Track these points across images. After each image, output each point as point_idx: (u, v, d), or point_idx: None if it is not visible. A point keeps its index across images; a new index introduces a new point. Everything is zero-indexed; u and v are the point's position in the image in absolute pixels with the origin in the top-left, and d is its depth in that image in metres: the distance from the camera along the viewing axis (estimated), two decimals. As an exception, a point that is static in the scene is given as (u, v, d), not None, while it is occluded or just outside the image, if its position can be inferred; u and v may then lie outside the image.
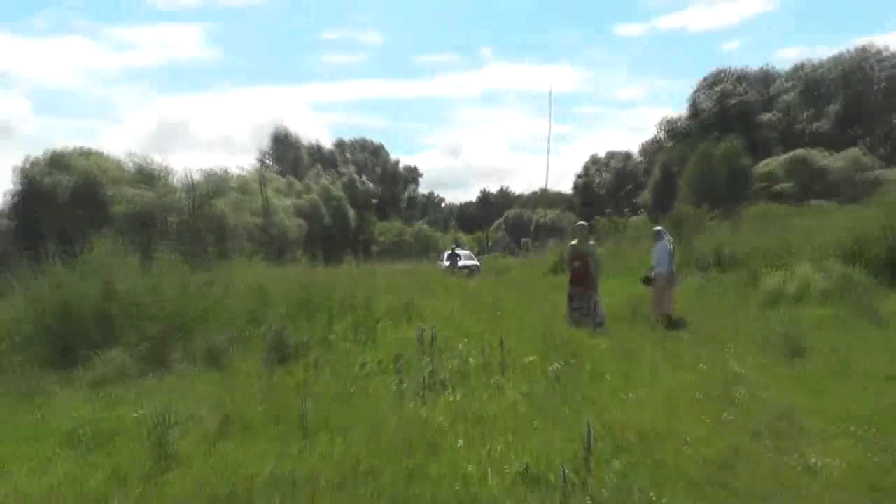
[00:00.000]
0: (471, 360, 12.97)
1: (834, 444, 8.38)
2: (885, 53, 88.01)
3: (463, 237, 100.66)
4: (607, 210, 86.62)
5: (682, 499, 6.92)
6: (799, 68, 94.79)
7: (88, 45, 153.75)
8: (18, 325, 16.31)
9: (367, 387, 11.61)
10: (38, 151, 72.80)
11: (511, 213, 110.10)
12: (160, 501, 7.32)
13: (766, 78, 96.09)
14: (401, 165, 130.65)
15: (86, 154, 70.40)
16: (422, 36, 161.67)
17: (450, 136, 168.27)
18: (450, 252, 49.71)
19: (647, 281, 20.03)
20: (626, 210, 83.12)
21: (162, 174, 69.33)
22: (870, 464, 7.69)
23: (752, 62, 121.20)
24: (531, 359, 12.76)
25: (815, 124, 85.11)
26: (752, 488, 7.15)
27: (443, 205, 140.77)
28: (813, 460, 7.71)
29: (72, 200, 62.63)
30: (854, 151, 71.43)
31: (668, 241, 20.63)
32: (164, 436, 8.73)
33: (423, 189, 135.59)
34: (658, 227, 22.77)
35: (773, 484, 7.22)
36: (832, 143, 75.94)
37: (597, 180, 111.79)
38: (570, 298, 18.99)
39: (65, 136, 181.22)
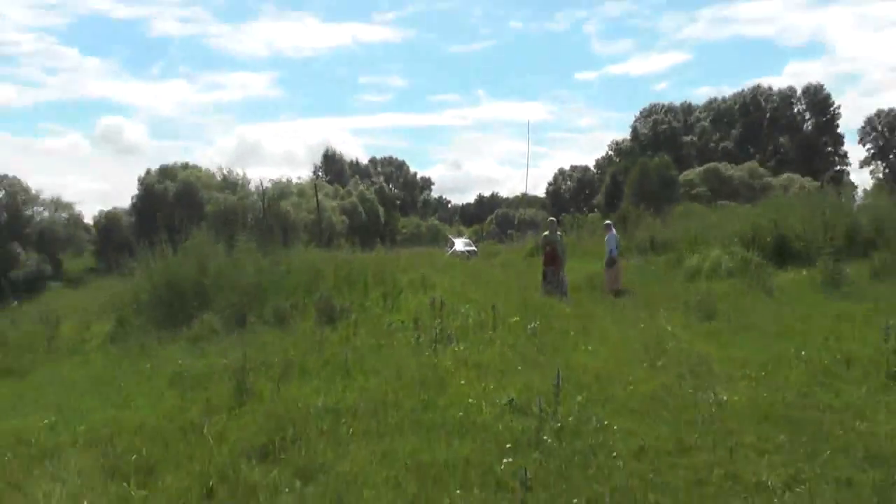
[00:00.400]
0: (470, 320, 12.97)
1: (736, 384, 8.35)
2: (771, 91, 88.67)
3: (464, 229, 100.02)
4: (571, 209, 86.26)
5: (626, 423, 6.90)
6: (711, 102, 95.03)
7: (188, 86, 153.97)
8: (138, 295, 16.36)
9: (392, 340, 11.61)
10: (153, 165, 73.03)
11: (500, 211, 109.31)
12: (240, 426, 7.32)
13: (686, 110, 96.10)
14: (418, 176, 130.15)
15: (186, 167, 70.88)
16: (433, 81, 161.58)
17: (454, 154, 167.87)
18: (452, 240, 49.54)
19: (612, 262, 19.97)
20: (585, 209, 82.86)
21: (241, 182, 69.74)
22: (762, 399, 7.66)
23: (676, 98, 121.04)
24: (515, 319, 12.75)
25: (722, 144, 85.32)
26: (677, 416, 7.13)
27: (449, 205, 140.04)
28: (722, 396, 7.69)
29: (176, 202, 63.03)
30: (751, 164, 71.57)
31: (615, 232, 20.68)
32: (243, 377, 8.73)
33: (434, 193, 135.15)
34: (608, 221, 22.81)
35: (692, 412, 7.19)
36: (735, 158, 76.21)
37: (563, 187, 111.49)
38: (544, 275, 18.98)
39: (171, 154, 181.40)
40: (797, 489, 5.36)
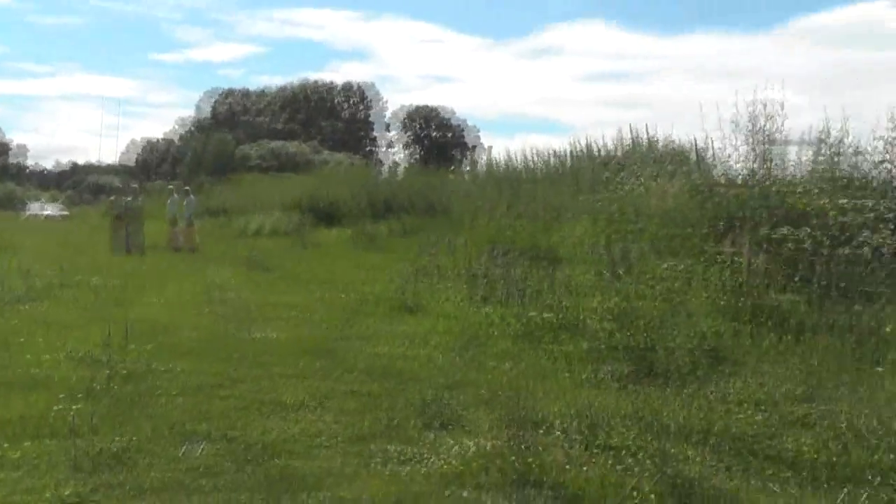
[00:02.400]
0: (39, 281, 11.59)
1: (282, 324, 8.66)
2: (325, 84, 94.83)
3: (58, 194, 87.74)
4: (151, 176, 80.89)
5: (185, 365, 6.67)
6: (280, 90, 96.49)
7: None
8: None
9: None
10: None
11: (88, 178, 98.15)
12: None
13: (256, 94, 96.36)
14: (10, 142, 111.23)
15: None
16: (22, 51, 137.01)
17: (42, 123, 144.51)
18: (29, 204, 48.24)
19: (189, 223, 19.18)
20: (159, 177, 78.32)
21: None
22: (303, 335, 8.06)
23: (250, 84, 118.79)
24: (92, 278, 11.84)
25: (286, 125, 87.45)
26: (229, 354, 7.07)
27: (44, 172, 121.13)
28: (272, 335, 7.91)
29: None
30: (308, 143, 74.31)
31: (193, 197, 20.14)
32: None
33: (27, 161, 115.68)
34: (187, 188, 22.29)
35: (242, 350, 7.24)
36: (296, 136, 78.77)
37: (144, 157, 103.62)
38: (123, 236, 17.81)
39: None
40: (326, 403, 5.70)
